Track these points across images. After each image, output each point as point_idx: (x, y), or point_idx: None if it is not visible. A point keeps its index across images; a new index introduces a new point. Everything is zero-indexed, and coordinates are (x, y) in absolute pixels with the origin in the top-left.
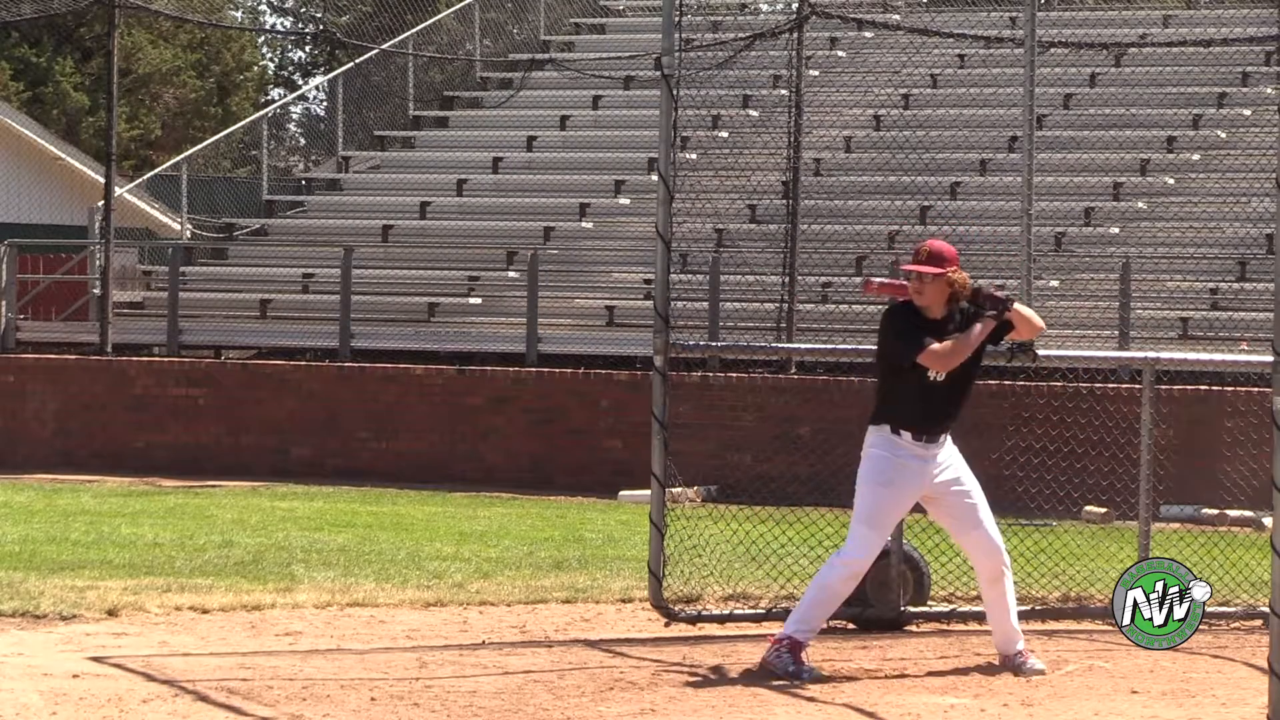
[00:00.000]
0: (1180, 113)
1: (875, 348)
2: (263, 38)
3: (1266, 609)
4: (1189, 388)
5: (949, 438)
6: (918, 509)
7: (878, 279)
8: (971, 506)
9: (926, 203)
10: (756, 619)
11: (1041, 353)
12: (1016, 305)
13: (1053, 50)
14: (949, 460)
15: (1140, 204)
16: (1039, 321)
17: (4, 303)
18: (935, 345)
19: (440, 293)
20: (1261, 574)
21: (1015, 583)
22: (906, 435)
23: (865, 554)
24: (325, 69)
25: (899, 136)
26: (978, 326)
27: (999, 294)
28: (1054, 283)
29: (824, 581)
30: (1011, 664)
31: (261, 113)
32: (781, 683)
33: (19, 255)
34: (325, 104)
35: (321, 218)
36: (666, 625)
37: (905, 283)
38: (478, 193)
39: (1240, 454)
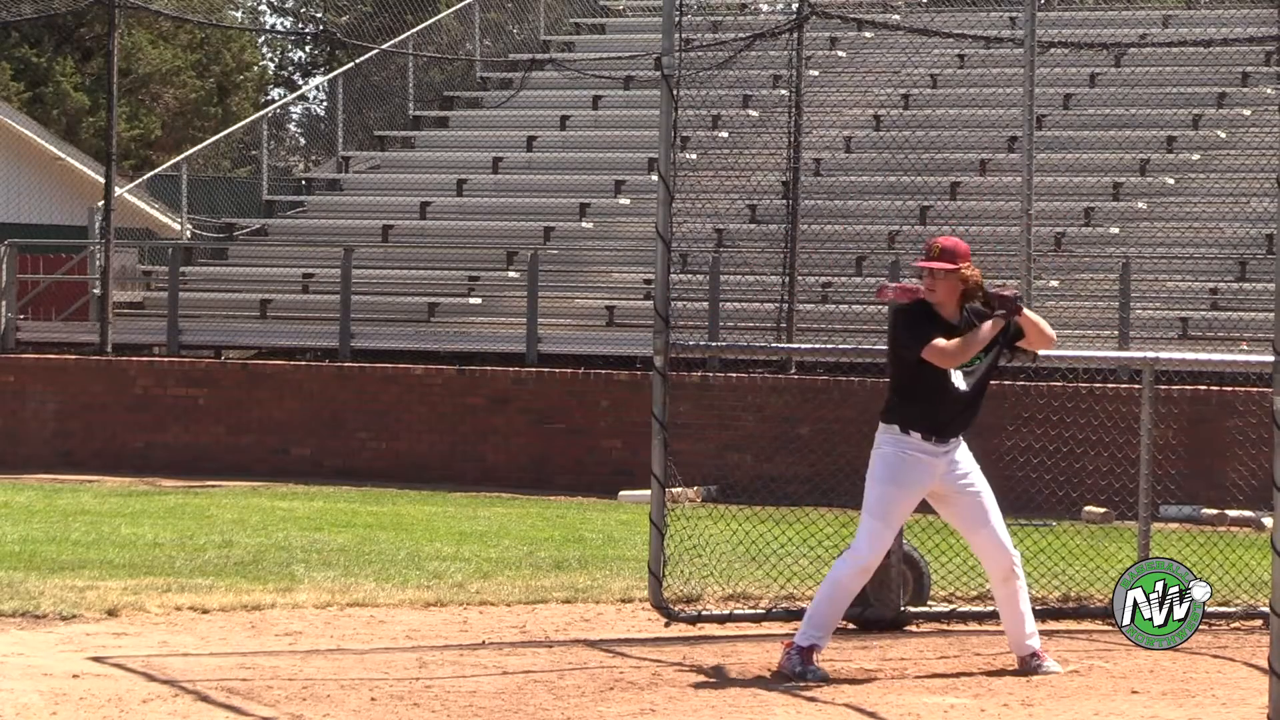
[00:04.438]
0: (1180, 113)
1: (885, 347)
2: (263, 38)
3: (1266, 609)
4: (1189, 388)
5: (961, 438)
6: (927, 509)
7: (892, 285)
8: (979, 505)
9: (926, 203)
10: (756, 619)
11: (1041, 352)
12: (1026, 310)
13: (1053, 50)
14: (960, 458)
15: (1140, 204)
16: (1050, 332)
17: (4, 303)
18: (940, 341)
19: (440, 293)
20: (1261, 574)
21: None
22: (916, 436)
23: (875, 549)
24: (325, 69)
25: (899, 136)
26: (986, 325)
27: (1007, 293)
28: (1054, 283)
29: (835, 578)
30: (1027, 666)
31: (261, 113)
32: (781, 683)
33: (19, 255)
34: (325, 104)
35: (321, 218)
36: (666, 625)
37: (918, 286)
38: (478, 193)
39: (1240, 454)
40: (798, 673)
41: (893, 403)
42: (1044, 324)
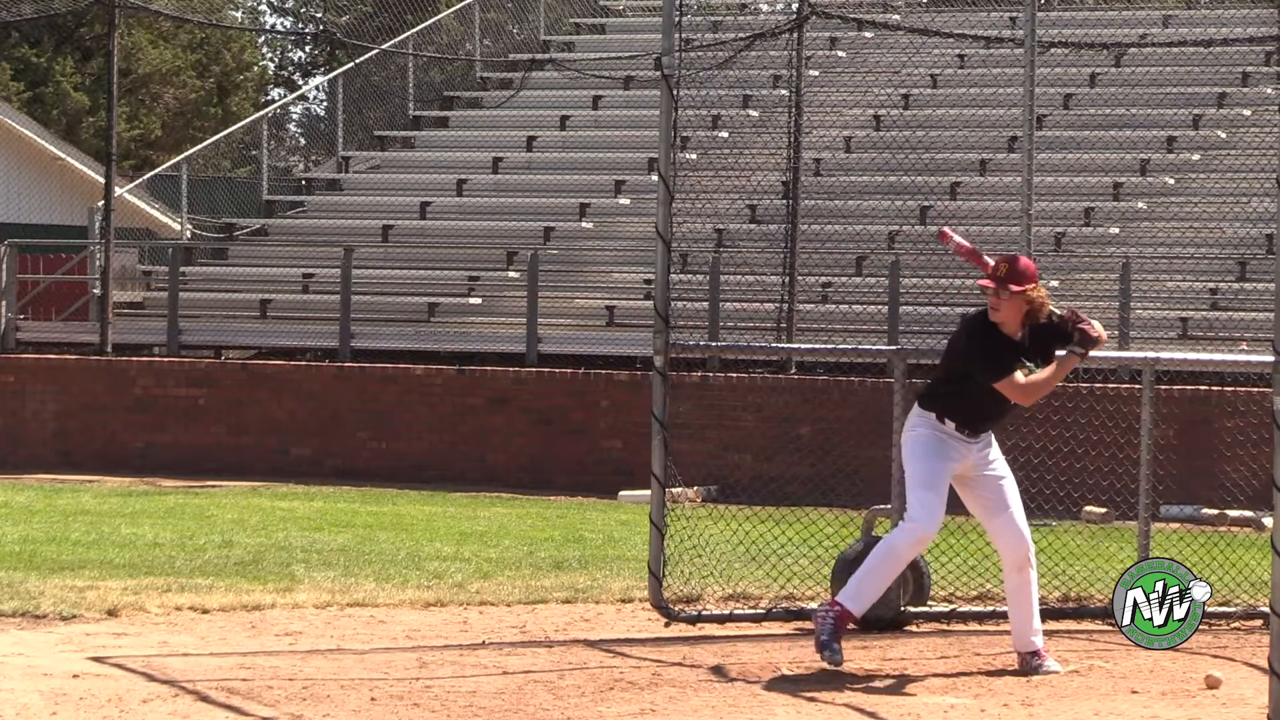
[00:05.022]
0: (1180, 113)
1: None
2: (263, 38)
3: (1266, 609)
4: (1189, 388)
5: (991, 433)
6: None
7: (956, 237)
8: (1000, 491)
9: (926, 203)
10: (756, 619)
11: None
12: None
13: (1053, 50)
14: (988, 447)
15: (1140, 204)
16: (1105, 338)
17: (4, 303)
18: (1020, 378)
19: (440, 293)
20: (1261, 574)
21: None
22: (951, 425)
23: (933, 517)
24: (325, 69)
25: (899, 136)
26: (1053, 366)
27: (1093, 333)
28: (1054, 283)
29: (890, 545)
30: (1028, 665)
31: (261, 113)
32: (781, 683)
33: (19, 255)
34: (325, 104)
35: (321, 218)
36: (666, 625)
37: (981, 254)
38: (478, 193)
39: (1240, 454)
40: (823, 641)
41: (935, 392)
42: (1103, 332)
